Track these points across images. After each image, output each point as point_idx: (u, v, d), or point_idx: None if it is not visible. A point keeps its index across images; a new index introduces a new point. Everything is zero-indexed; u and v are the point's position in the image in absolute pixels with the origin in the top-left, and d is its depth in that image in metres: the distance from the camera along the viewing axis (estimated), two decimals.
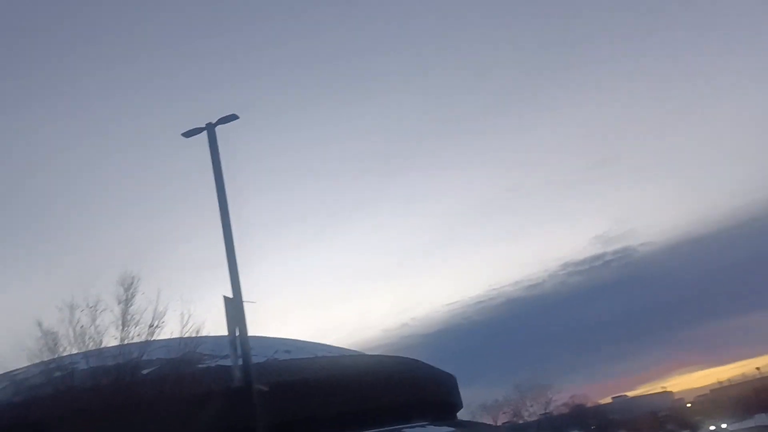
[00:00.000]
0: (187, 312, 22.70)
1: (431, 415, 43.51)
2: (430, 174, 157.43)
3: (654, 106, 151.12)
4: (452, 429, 43.90)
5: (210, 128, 17.08)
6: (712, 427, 79.93)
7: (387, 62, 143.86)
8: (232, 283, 15.89)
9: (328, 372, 39.77)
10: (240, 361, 15.55)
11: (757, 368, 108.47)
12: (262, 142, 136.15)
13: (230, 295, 16.19)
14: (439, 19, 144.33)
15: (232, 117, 17.06)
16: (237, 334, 15.31)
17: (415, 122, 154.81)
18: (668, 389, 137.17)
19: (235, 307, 15.43)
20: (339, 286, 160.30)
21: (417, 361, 49.43)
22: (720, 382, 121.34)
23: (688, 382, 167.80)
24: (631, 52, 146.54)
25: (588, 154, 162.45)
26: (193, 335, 22.75)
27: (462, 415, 55.21)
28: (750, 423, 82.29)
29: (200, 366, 33.81)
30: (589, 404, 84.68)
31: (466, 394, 56.11)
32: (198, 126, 17.41)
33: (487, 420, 54.59)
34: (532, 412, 57.62)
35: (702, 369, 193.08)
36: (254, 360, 40.36)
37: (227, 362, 38.59)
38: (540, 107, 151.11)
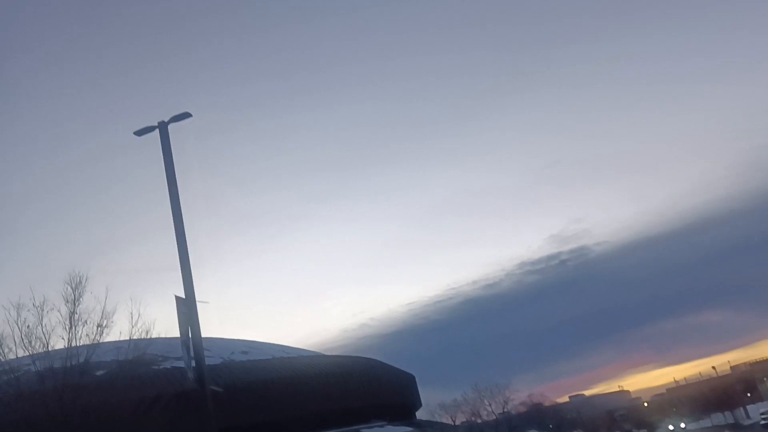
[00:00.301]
0: (137, 312, 22.11)
1: (390, 415, 43.59)
2: (389, 176, 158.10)
3: (609, 108, 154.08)
4: (410, 429, 44.04)
5: (162, 126, 16.64)
6: (671, 427, 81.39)
7: (346, 67, 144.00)
8: (185, 283, 15.42)
9: (285, 373, 39.58)
10: (193, 362, 15.13)
11: (713, 367, 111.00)
12: (219, 144, 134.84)
13: (183, 295, 15.82)
14: (399, 23, 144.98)
15: (185, 115, 16.73)
16: (190, 334, 14.89)
17: (374, 125, 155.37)
18: (625, 388, 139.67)
19: (187, 307, 15.04)
20: (298, 288, 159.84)
21: (375, 361, 49.49)
22: (676, 382, 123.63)
23: (645, 381, 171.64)
24: (585, 56, 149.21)
25: (543, 155, 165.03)
26: (144, 336, 22.08)
27: (420, 414, 55.48)
28: (707, 423, 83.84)
29: (152, 368, 33.41)
30: (547, 403, 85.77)
31: (425, 393, 56.40)
32: (150, 125, 17.10)
33: (446, 419, 54.91)
34: (490, 411, 58.16)
35: (658, 368, 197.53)
36: (211, 361, 40.14)
37: (180, 364, 38.36)
38: (497, 110, 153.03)
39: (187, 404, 22.73)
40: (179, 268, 16.02)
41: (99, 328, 21.78)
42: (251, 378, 37.21)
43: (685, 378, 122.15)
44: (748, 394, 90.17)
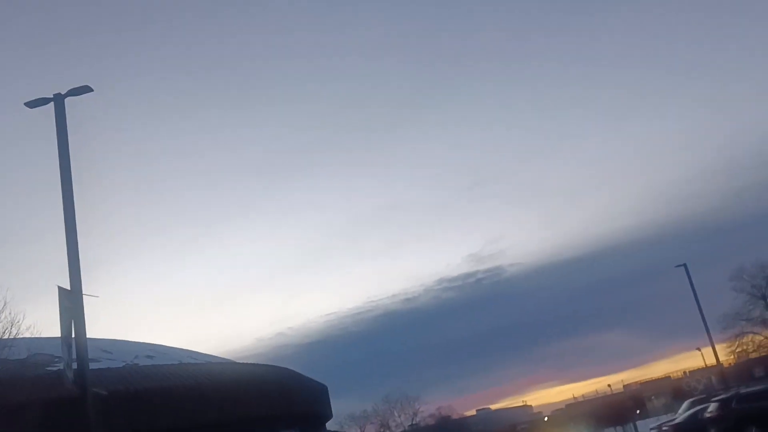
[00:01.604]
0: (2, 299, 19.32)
1: (300, 425, 42.66)
2: (311, 184, 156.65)
3: (527, 133, 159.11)
4: None
5: (58, 99, 14.89)
6: None
7: (267, 73, 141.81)
8: (71, 274, 13.76)
9: (191, 379, 37.91)
10: (74, 363, 13.55)
11: (609, 385, 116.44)
12: (135, 136, 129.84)
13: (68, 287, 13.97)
14: (322, 34, 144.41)
15: (85, 89, 15.05)
16: (72, 331, 13.32)
17: (295, 134, 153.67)
18: (528, 403, 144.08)
19: (71, 300, 13.50)
20: (213, 294, 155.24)
21: (288, 370, 48.42)
22: (575, 398, 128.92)
23: (547, 396, 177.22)
24: (505, 76, 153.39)
25: (464, 175, 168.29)
26: (9, 327, 19.25)
27: (330, 425, 54.71)
28: None
29: (46, 369, 31.13)
30: (455, 416, 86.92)
31: (337, 404, 55.76)
32: (45, 96, 15.30)
33: (355, 430, 54.49)
34: (399, 422, 58.10)
35: (560, 384, 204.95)
36: (113, 365, 38.13)
37: (54, 367, 36.13)
38: (419, 127, 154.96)
39: (66, 411, 20.84)
40: (66, 255, 14.11)
41: None
42: (154, 383, 35.41)
43: (583, 395, 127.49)
44: (638, 411, 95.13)
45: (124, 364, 38.56)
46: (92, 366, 36.64)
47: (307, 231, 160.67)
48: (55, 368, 34.09)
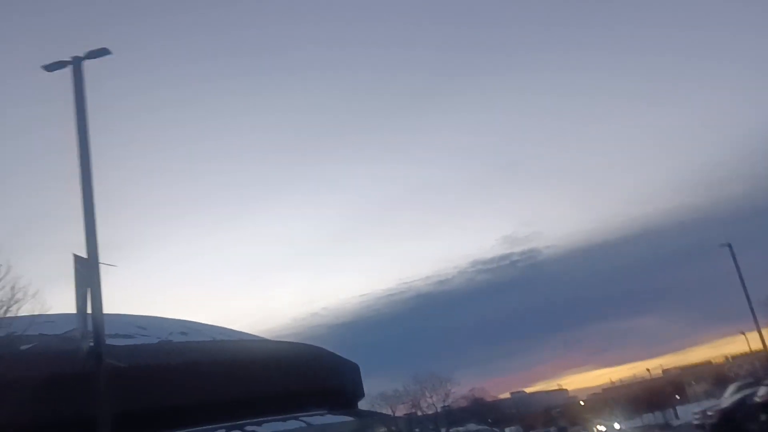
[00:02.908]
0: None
1: (331, 403, 42.80)
2: (346, 166, 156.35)
3: (561, 113, 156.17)
4: (350, 418, 43.34)
5: (76, 62, 14.40)
6: (601, 428, 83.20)
7: (300, 56, 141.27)
8: (87, 240, 12.94)
9: (224, 355, 38.36)
10: (90, 333, 12.83)
11: (648, 370, 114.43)
12: (166, 119, 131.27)
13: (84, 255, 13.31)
14: (354, 14, 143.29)
15: (104, 51, 14.52)
16: (89, 300, 12.67)
17: (329, 114, 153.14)
18: (563, 387, 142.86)
19: (87, 268, 13.04)
20: (248, 273, 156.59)
21: (320, 348, 48.58)
22: (612, 382, 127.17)
23: (583, 380, 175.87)
24: (541, 61, 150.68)
25: (498, 156, 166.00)
26: (11, 293, 17.71)
27: (362, 404, 54.87)
28: (638, 422, 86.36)
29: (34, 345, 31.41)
30: (488, 398, 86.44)
31: (369, 384, 55.82)
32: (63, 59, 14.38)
33: (386, 410, 54.44)
34: (430, 403, 58.04)
35: (596, 369, 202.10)
36: (147, 341, 38.73)
37: (117, 342, 36.74)
38: (454, 108, 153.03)
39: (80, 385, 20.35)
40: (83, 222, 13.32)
41: None
42: (189, 359, 35.90)
43: (620, 379, 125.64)
44: (677, 397, 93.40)
45: (158, 340, 39.18)
46: (127, 342, 37.43)
47: (342, 212, 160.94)
48: (91, 344, 34.82)
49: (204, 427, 32.81)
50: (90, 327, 12.88)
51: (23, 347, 32.22)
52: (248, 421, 35.41)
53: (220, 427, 33.24)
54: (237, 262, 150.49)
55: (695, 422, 33.39)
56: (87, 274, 12.83)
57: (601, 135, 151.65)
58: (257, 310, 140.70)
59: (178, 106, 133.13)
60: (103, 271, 13.55)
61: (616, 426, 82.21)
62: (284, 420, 37.43)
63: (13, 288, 17.53)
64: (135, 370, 32.56)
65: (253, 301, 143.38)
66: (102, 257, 13.25)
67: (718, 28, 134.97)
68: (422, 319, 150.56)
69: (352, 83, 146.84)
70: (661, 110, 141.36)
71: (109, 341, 36.98)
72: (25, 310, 17.53)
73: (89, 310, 12.84)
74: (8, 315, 17.52)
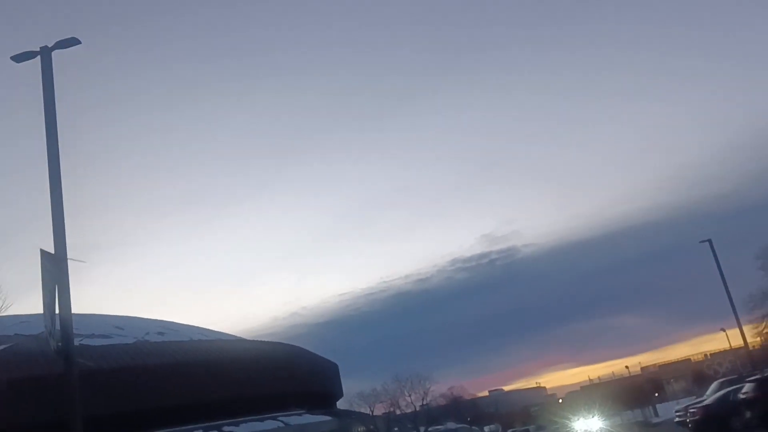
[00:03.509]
0: None
1: (310, 403, 42.73)
2: (324, 166, 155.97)
3: (542, 112, 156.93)
4: (329, 418, 43.29)
5: (45, 52, 14.02)
6: (581, 425, 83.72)
7: (281, 57, 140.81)
8: (55, 236, 12.39)
9: (201, 356, 38.12)
10: (57, 331, 12.34)
11: (626, 367, 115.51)
12: (146, 118, 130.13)
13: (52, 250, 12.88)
14: (335, 16, 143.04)
15: (73, 41, 14.10)
16: (57, 297, 12.24)
17: (310, 114, 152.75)
18: (542, 385, 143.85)
19: (55, 264, 12.73)
20: (228, 274, 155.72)
21: (297, 347, 48.50)
22: (591, 380, 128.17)
23: (561, 378, 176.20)
24: (521, 60, 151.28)
25: (477, 155, 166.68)
26: None
27: (340, 404, 54.86)
28: (617, 420, 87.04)
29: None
30: (467, 397, 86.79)
31: (348, 383, 55.79)
32: (33, 50, 14.10)
33: (364, 409, 54.50)
34: (409, 402, 58.20)
35: (574, 366, 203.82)
36: (123, 341, 38.37)
37: (92, 342, 36.36)
38: (433, 108, 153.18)
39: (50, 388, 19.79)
40: (50, 218, 12.95)
41: None
42: (166, 360, 35.66)
43: (599, 377, 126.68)
44: (656, 394, 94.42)
45: (135, 340, 38.83)
46: (103, 342, 37.07)
47: (321, 212, 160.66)
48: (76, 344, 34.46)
49: (181, 428, 32.58)
50: (58, 326, 12.52)
51: (1, 346, 31.91)
52: (226, 421, 35.22)
53: (198, 428, 33.05)
54: (218, 262, 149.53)
55: (677, 419, 33.35)
56: (54, 270, 12.44)
57: (581, 134, 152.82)
58: (238, 310, 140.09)
59: (161, 105, 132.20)
60: (77, 269, 13.28)
61: (596, 423, 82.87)
62: (262, 420, 37.29)
63: None
64: (111, 370, 32.33)
65: (234, 301, 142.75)
66: (72, 254, 12.94)
67: (701, 25, 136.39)
68: (402, 318, 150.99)
69: (333, 84, 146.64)
70: (642, 108, 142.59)
71: (85, 341, 36.77)
72: None
73: (57, 308, 12.49)
74: None
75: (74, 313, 31.63)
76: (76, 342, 36.15)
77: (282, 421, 38.17)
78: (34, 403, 26.80)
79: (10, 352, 28.27)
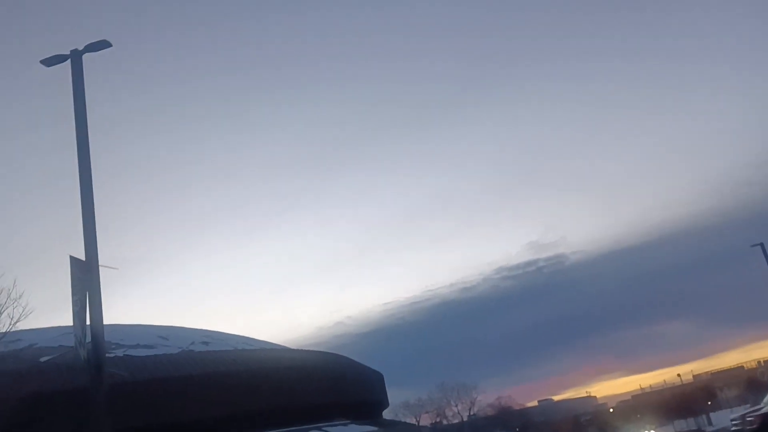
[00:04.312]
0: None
1: (355, 413, 42.04)
2: (369, 176, 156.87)
3: (587, 119, 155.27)
4: (374, 428, 42.52)
5: (75, 56, 13.69)
6: None
7: (322, 68, 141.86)
8: (86, 242, 12.20)
9: (247, 365, 37.76)
10: (88, 340, 11.75)
11: (678, 375, 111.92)
12: (187, 134, 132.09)
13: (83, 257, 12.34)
14: (378, 24, 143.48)
15: (103, 44, 13.68)
16: (87, 305, 11.63)
17: (352, 125, 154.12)
18: (592, 394, 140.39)
19: (85, 271, 12.18)
20: (273, 284, 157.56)
21: (342, 356, 47.91)
22: (642, 389, 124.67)
23: (612, 387, 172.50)
24: (564, 69, 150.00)
25: (522, 163, 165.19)
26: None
27: (386, 414, 54.05)
28: (670, 429, 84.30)
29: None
30: (515, 407, 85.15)
31: (394, 393, 55.03)
32: (63, 53, 13.83)
33: (410, 419, 53.55)
34: (456, 412, 56.95)
35: (625, 375, 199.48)
36: (168, 351, 38.37)
37: (135, 352, 36.41)
38: (476, 117, 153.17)
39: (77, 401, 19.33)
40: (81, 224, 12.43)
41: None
42: (210, 369, 35.40)
43: (650, 385, 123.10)
44: (709, 402, 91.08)
45: (179, 350, 38.74)
46: (148, 352, 37.07)
47: (364, 222, 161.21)
48: (111, 355, 34.51)
49: None
50: (88, 335, 11.95)
51: (43, 359, 32.08)
52: (271, 431, 34.82)
53: None
54: (261, 273, 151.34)
55: (734, 428, 32.18)
56: (85, 278, 11.93)
57: (625, 140, 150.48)
58: (282, 321, 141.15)
59: (200, 120, 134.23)
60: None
61: None
62: (307, 430, 36.77)
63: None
64: (155, 381, 32.21)
65: (278, 311, 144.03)
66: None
67: (738, 33, 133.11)
68: (447, 327, 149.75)
69: (373, 95, 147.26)
70: (685, 114, 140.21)
71: (129, 351, 36.76)
72: (7, 313, 16.28)
73: (88, 318, 11.93)
74: None
75: (118, 324, 31.49)
76: (120, 353, 36.41)
77: (327, 431, 37.59)
78: (76, 414, 26.76)
79: (53, 363, 28.32)
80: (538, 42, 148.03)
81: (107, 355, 33.66)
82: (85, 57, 13.55)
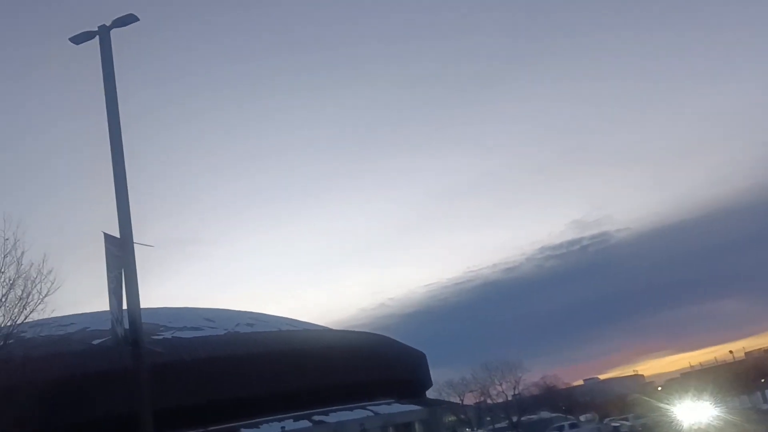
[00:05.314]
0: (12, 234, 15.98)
1: (398, 392, 42.31)
2: (409, 157, 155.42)
3: (631, 93, 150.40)
4: (418, 407, 42.73)
5: (103, 32, 13.45)
6: (691, 413, 79.70)
7: (361, 50, 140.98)
8: (120, 219, 12.11)
9: (291, 346, 38.29)
10: (124, 318, 11.90)
11: (731, 352, 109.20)
12: (228, 116, 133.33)
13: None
14: (411, 4, 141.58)
15: (130, 18, 13.46)
16: (123, 282, 11.48)
17: (395, 105, 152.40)
18: (639, 373, 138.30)
19: (120, 248, 11.76)
20: (316, 266, 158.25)
21: (385, 337, 48.13)
22: (691, 366, 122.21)
23: (660, 366, 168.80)
24: (608, 45, 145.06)
25: (565, 140, 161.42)
26: (29, 273, 16.22)
27: (429, 393, 54.20)
28: (724, 407, 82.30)
29: (152, 337, 32.05)
30: (561, 386, 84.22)
31: (437, 373, 55.07)
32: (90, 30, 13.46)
33: (454, 398, 53.61)
34: (500, 391, 56.82)
35: (673, 353, 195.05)
36: (214, 332, 39.11)
37: (183, 334, 37.23)
38: (519, 94, 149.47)
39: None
40: (114, 201, 12.01)
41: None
42: (254, 350, 36.02)
43: (700, 363, 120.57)
44: (762, 380, 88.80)
45: (225, 331, 39.53)
46: (195, 334, 37.90)
47: (407, 202, 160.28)
48: (159, 337, 35.39)
49: (271, 417, 32.85)
50: (122, 312, 11.92)
51: (95, 342, 33.03)
52: (315, 410, 35.29)
53: (288, 417, 33.21)
54: (304, 255, 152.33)
55: None
56: (120, 254, 11.89)
57: (672, 114, 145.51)
58: (325, 302, 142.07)
59: (244, 101, 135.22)
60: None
61: (705, 411, 78.55)
62: (351, 409, 37.17)
63: (19, 264, 15.90)
64: (202, 361, 32.95)
65: (321, 293, 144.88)
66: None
67: None
68: (490, 307, 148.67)
69: (413, 74, 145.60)
70: (738, 85, 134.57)
71: (177, 333, 37.41)
72: (37, 288, 16.33)
73: (123, 294, 11.88)
74: (15, 291, 15.98)
75: (166, 307, 31.71)
76: (169, 334, 37.11)
77: (371, 410, 37.92)
78: (129, 394, 27.53)
79: (105, 346, 29.13)
80: (581, 16, 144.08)
81: (155, 336, 34.81)
82: (114, 33, 13.44)
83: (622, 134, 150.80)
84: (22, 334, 22.95)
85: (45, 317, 17.73)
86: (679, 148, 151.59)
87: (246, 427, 32.14)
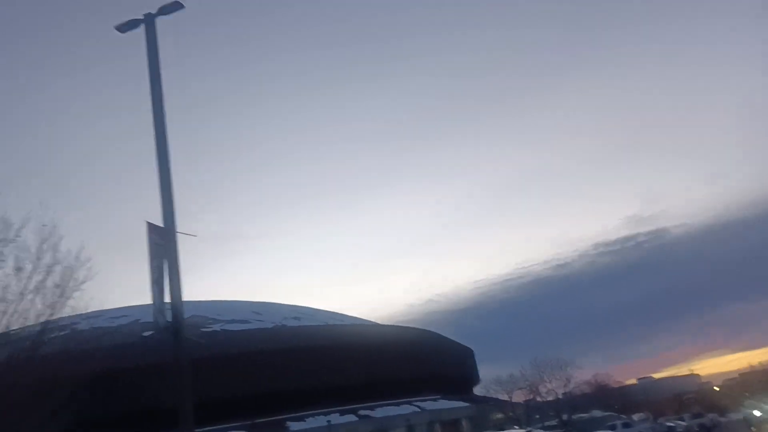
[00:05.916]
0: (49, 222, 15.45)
1: (445, 388, 41.85)
2: (459, 151, 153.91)
3: (687, 88, 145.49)
4: (465, 404, 42.18)
5: (149, 20, 13.33)
6: (756, 412, 76.82)
7: (416, 42, 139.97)
8: (164, 207, 12.00)
9: (338, 340, 38.27)
10: (167, 307, 11.82)
11: None
12: (277, 109, 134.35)
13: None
14: (470, 3, 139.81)
15: (175, 6, 13.25)
16: (165, 272, 11.42)
17: (442, 99, 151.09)
18: (695, 372, 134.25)
19: (163, 237, 11.75)
20: (364, 260, 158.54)
21: (433, 333, 47.70)
22: (751, 366, 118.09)
23: (717, 365, 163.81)
24: (659, 37, 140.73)
25: (619, 134, 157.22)
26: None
27: (477, 390, 53.54)
28: None
29: (201, 330, 32.48)
30: (613, 384, 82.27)
31: (485, 370, 54.36)
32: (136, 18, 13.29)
33: (502, 396, 52.78)
34: (550, 389, 55.59)
35: (731, 352, 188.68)
36: (261, 326, 39.40)
37: (232, 327, 37.53)
38: (572, 87, 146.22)
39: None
40: (159, 192, 12.06)
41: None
42: (301, 344, 36.12)
43: (759, 362, 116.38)
44: None
45: (272, 324, 39.83)
46: (242, 327, 38.25)
47: (456, 197, 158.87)
48: (209, 329, 35.80)
49: (317, 411, 32.86)
50: (165, 302, 11.85)
51: (145, 333, 33.61)
52: (361, 405, 35.18)
53: (334, 411, 33.16)
54: (352, 249, 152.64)
55: None
56: (163, 244, 11.82)
57: (731, 106, 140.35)
58: (373, 297, 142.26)
59: (292, 94, 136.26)
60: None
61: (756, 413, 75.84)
62: (398, 404, 36.94)
63: (56, 251, 15.50)
64: (250, 354, 33.19)
65: (369, 287, 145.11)
66: (180, 227, 12.12)
67: None
68: (540, 304, 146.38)
69: (464, 67, 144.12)
70: None
71: (225, 326, 37.77)
72: (75, 276, 16.22)
73: (166, 284, 11.83)
74: (51, 278, 15.77)
75: (215, 300, 31.87)
76: (218, 327, 37.47)
77: (418, 406, 37.61)
78: (160, 389, 27.90)
79: (155, 338, 29.58)
80: (639, 5, 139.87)
81: (205, 329, 35.22)
82: (159, 22, 13.36)
83: (681, 126, 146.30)
84: (75, 326, 23.42)
85: (90, 310, 17.71)
86: (738, 140, 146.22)
87: (292, 420, 32.25)
